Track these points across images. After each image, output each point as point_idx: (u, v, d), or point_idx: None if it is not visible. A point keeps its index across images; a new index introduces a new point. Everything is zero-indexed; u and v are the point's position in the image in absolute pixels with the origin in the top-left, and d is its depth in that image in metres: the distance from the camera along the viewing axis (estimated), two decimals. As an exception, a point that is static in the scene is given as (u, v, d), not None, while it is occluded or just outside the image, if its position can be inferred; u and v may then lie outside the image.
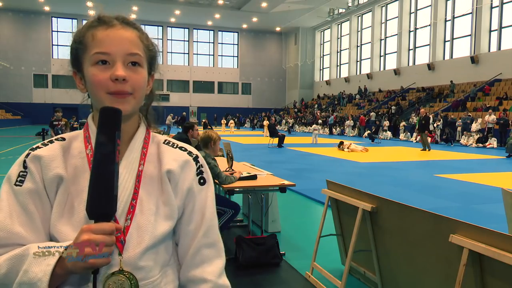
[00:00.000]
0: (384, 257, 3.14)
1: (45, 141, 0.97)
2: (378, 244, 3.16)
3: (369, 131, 24.41)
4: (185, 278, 0.98)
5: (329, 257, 4.09)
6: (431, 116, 22.51)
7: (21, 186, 0.89)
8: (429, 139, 21.28)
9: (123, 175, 0.92)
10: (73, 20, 41.28)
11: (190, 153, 1.02)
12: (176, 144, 1.03)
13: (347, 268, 3.23)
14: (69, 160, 0.94)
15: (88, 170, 0.90)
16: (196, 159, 1.02)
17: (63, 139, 0.97)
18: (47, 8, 38.70)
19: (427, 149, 16.30)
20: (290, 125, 34.71)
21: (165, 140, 1.03)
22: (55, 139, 0.97)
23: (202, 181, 1.00)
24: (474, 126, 20.15)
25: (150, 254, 0.91)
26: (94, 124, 0.95)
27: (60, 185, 0.91)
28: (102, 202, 0.80)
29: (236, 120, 38.43)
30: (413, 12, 31.57)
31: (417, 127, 18.50)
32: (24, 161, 0.92)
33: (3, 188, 0.91)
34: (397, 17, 32.62)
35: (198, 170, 1.01)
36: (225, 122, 33.44)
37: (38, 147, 0.94)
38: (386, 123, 25.50)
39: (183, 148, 1.02)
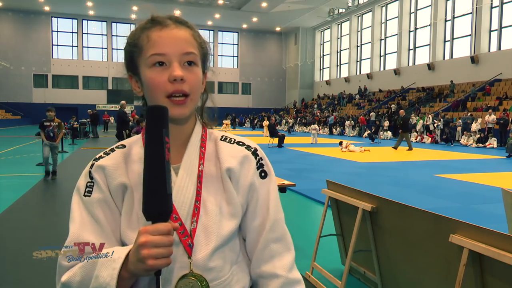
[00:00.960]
0: (384, 257, 3.14)
1: (107, 150, 0.98)
2: (378, 244, 3.16)
3: (369, 131, 24.41)
4: (256, 274, 0.97)
5: (329, 257, 4.09)
6: (430, 116, 22.57)
7: (89, 196, 0.92)
8: (429, 139, 21.41)
9: (184, 178, 0.92)
10: (73, 20, 41.29)
11: (248, 147, 0.99)
12: (233, 140, 1.01)
13: (347, 268, 3.23)
14: (131, 167, 0.94)
15: None
16: (255, 152, 0.99)
17: (123, 146, 0.98)
18: (47, 8, 38.67)
19: (407, 149, 16.41)
20: (290, 125, 34.70)
21: (222, 136, 1.01)
22: (116, 147, 0.98)
23: (263, 175, 0.98)
24: (474, 126, 20.15)
25: (219, 253, 0.91)
26: None
27: (126, 193, 0.92)
28: (155, 202, 0.78)
29: (234, 120, 38.40)
30: (413, 12, 31.57)
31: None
32: (90, 172, 0.94)
33: (73, 199, 0.94)
34: (397, 17, 32.62)
35: (258, 164, 0.98)
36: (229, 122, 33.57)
37: (101, 157, 0.96)
38: (386, 123, 25.50)
39: (240, 143, 1.00)
